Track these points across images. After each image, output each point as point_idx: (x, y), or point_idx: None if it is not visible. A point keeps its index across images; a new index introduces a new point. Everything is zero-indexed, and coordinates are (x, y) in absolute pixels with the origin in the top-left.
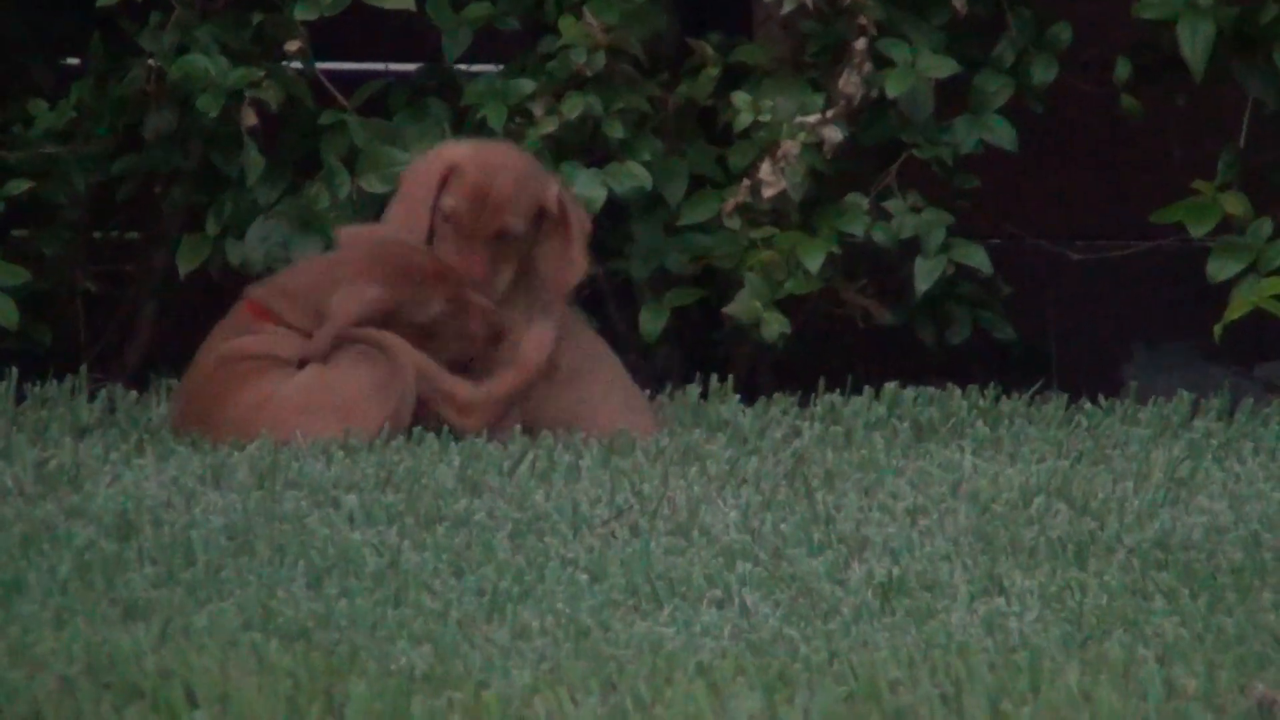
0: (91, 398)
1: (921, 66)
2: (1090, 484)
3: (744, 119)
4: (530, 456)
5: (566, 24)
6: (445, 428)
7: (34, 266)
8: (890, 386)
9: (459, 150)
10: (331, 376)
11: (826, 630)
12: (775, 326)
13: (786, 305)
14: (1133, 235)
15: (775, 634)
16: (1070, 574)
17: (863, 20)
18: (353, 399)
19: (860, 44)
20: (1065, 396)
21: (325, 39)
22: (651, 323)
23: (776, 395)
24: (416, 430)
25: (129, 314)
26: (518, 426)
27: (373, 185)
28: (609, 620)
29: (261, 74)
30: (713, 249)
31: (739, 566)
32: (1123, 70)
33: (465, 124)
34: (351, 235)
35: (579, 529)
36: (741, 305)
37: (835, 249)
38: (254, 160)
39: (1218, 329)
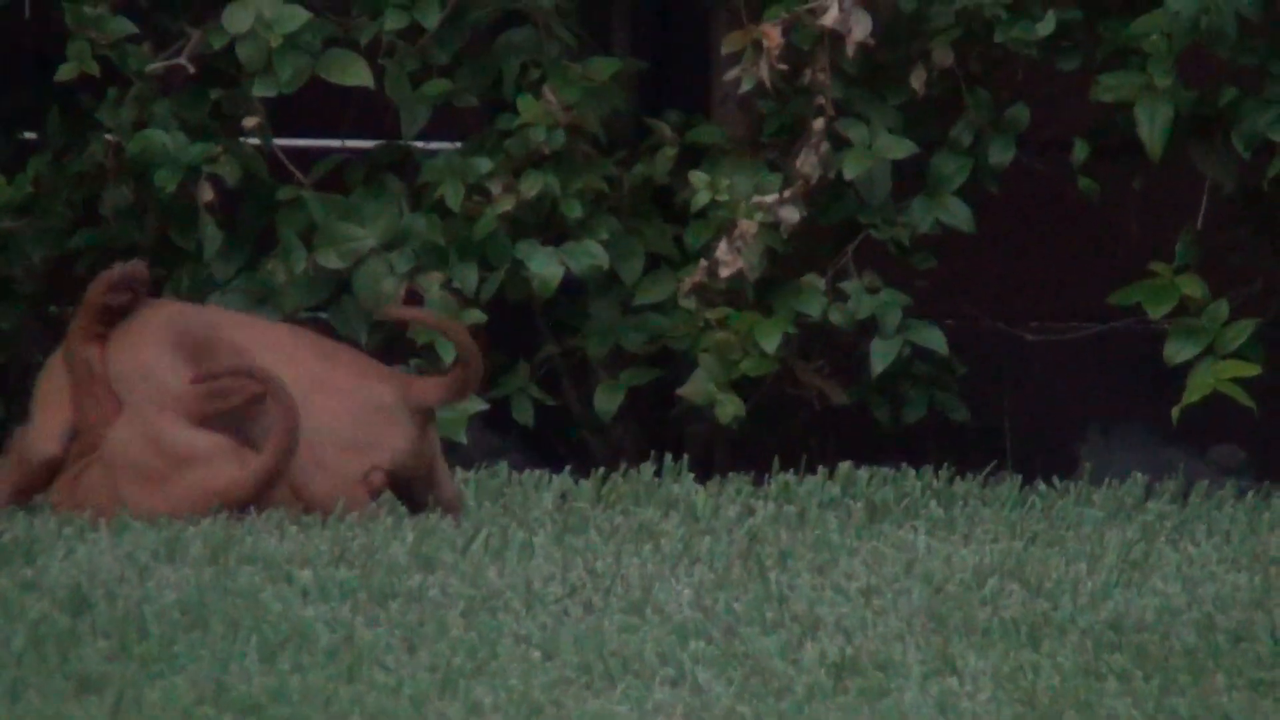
0: None
1: (879, 147)
2: (1044, 565)
3: (701, 198)
4: (484, 533)
5: (525, 102)
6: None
7: None
8: (845, 466)
9: None
10: None
11: (779, 709)
12: (729, 409)
13: (742, 384)
14: (1089, 317)
15: (728, 712)
16: (1024, 655)
17: (820, 100)
18: None
19: (818, 124)
20: (1019, 477)
21: (283, 115)
22: (607, 401)
23: (731, 474)
24: (370, 505)
25: None
26: None
27: (330, 261)
28: (562, 698)
29: (219, 149)
30: (668, 329)
31: (692, 644)
32: (1080, 151)
33: (422, 201)
34: None
35: (532, 606)
36: (696, 387)
37: (791, 329)
38: (211, 235)
39: (1176, 411)
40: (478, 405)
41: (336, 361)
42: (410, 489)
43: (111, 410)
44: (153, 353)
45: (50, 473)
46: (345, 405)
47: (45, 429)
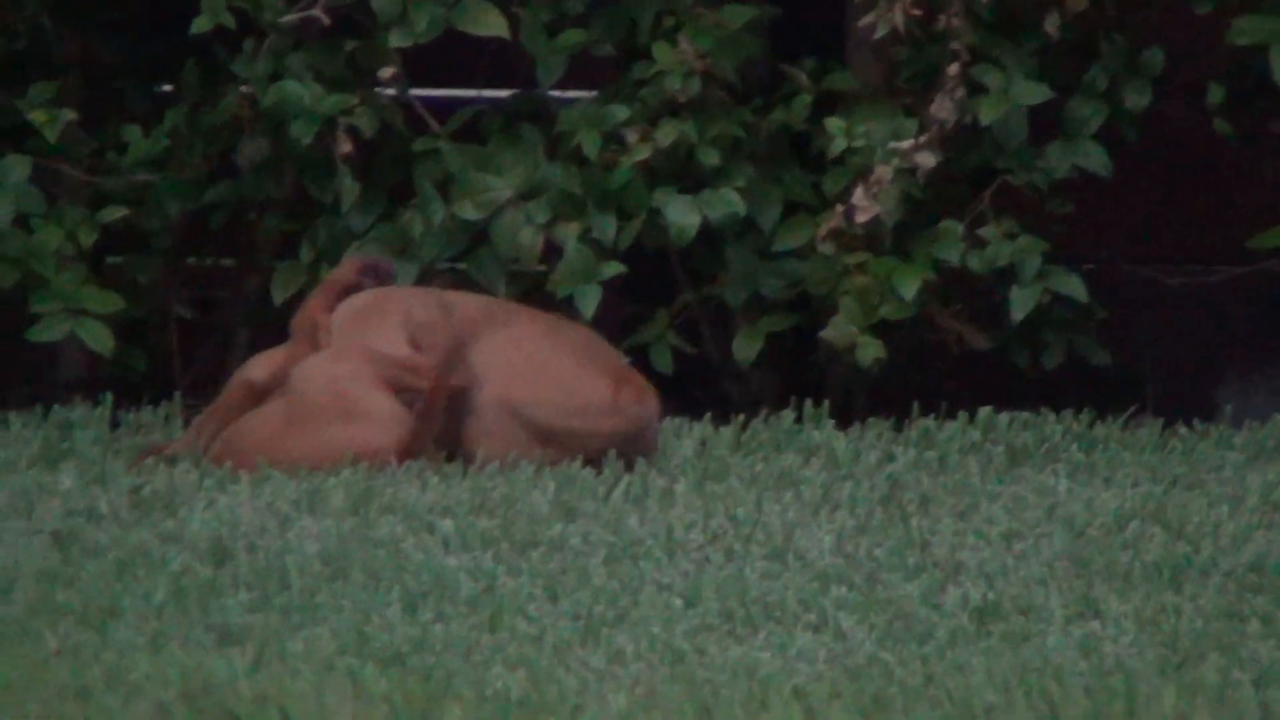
0: (186, 424)
1: (1014, 92)
2: (1185, 508)
3: (838, 145)
4: (625, 482)
5: (661, 50)
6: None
7: (128, 293)
8: (985, 411)
9: None
10: None
11: (922, 654)
12: (870, 352)
13: (881, 330)
14: (1228, 260)
15: (870, 658)
16: (1165, 598)
17: (956, 45)
18: None
19: (953, 69)
20: (1160, 421)
21: (419, 66)
22: (746, 348)
23: (871, 420)
24: (511, 455)
25: (223, 340)
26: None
27: (466, 211)
28: (704, 644)
29: (355, 101)
30: (807, 275)
31: (834, 591)
32: (1216, 95)
33: (559, 150)
34: None
35: (674, 553)
36: (836, 330)
37: (930, 275)
38: (348, 187)
39: None
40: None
41: (561, 346)
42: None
43: None
44: (382, 336)
45: (252, 397)
46: (553, 401)
47: (262, 359)
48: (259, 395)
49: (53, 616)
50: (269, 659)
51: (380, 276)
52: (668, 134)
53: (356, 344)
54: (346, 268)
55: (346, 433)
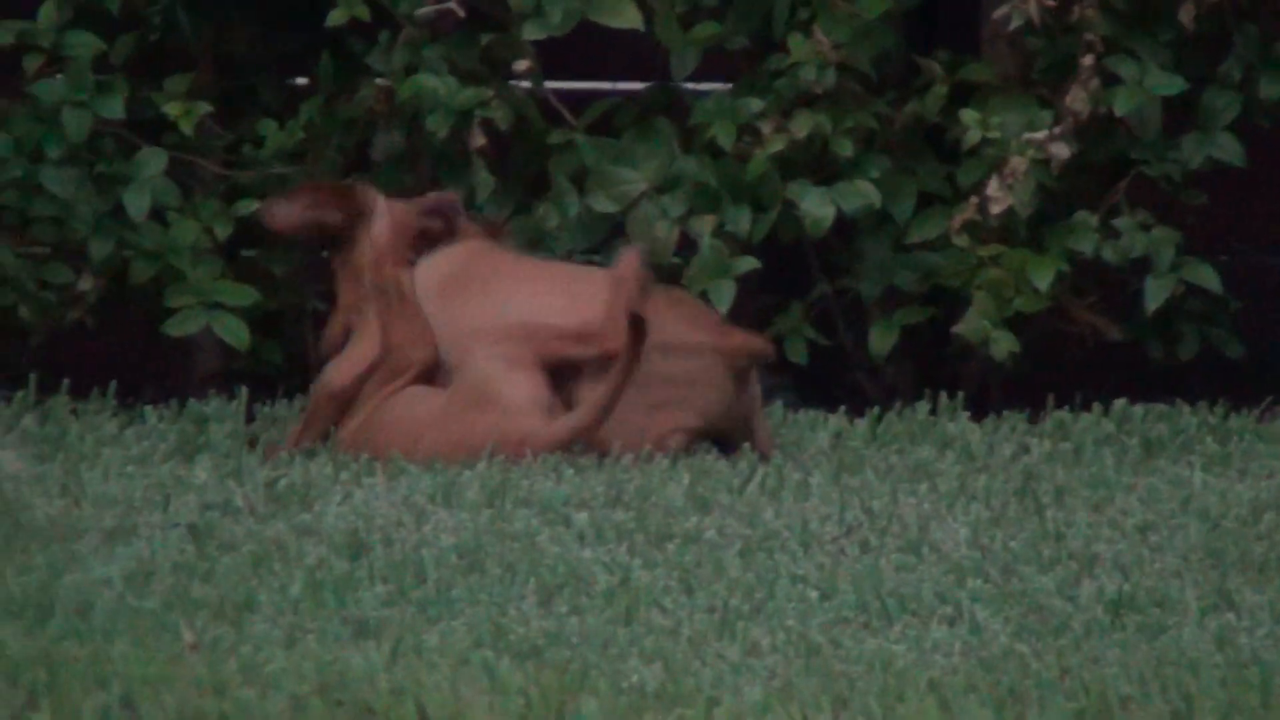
0: None
1: (1149, 84)
2: None
3: (973, 136)
4: (760, 474)
5: (796, 42)
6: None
7: (263, 286)
8: (1119, 403)
9: None
10: None
11: (1057, 646)
12: (1004, 345)
13: (1015, 322)
14: None
15: (1006, 650)
16: None
17: (1090, 37)
18: None
19: (1088, 61)
20: None
21: (554, 58)
22: (881, 341)
23: (1005, 412)
24: (644, 449)
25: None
26: None
27: (602, 205)
28: (839, 637)
29: (490, 94)
30: (941, 267)
31: (969, 583)
32: None
33: (693, 143)
34: None
35: (809, 546)
36: (970, 324)
37: (1064, 266)
38: (483, 180)
39: None
40: None
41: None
42: (725, 440)
43: (421, 331)
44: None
45: (337, 406)
46: (663, 363)
47: (341, 363)
48: (345, 402)
49: (189, 610)
50: (405, 652)
51: (448, 211)
52: (802, 126)
53: (507, 322)
54: (407, 212)
55: (487, 421)
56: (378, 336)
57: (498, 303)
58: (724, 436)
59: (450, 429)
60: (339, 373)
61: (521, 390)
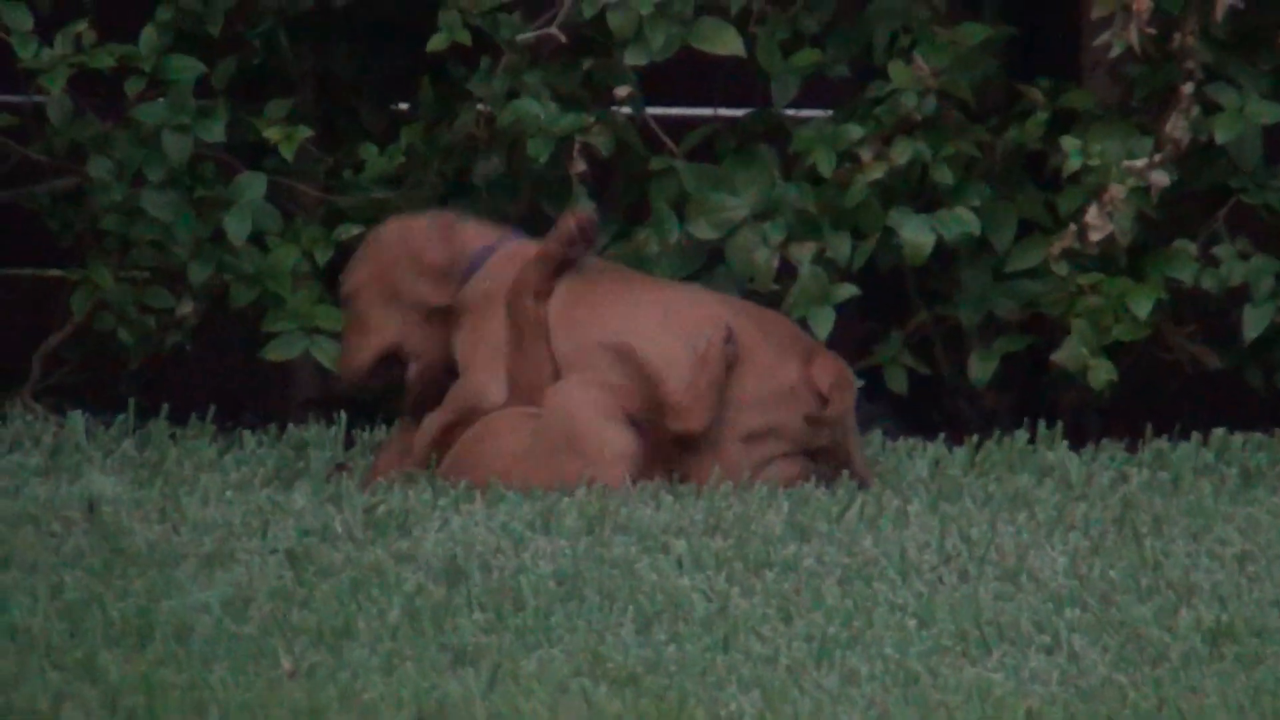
0: None
1: (1250, 111)
2: None
3: (1073, 163)
4: (859, 502)
5: (896, 68)
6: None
7: None
8: (1218, 432)
9: None
10: None
11: (1155, 676)
12: (1102, 374)
13: (1114, 350)
14: None
15: (1104, 680)
16: None
17: (1190, 65)
18: None
19: (1188, 88)
20: None
21: (654, 84)
22: (980, 368)
23: (1104, 440)
24: (745, 477)
25: None
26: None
27: (702, 231)
28: (938, 666)
29: (591, 119)
30: (1041, 295)
31: (1067, 612)
32: None
33: (793, 169)
34: None
35: (907, 574)
36: (1069, 353)
37: (1163, 295)
38: (584, 206)
39: None
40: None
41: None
42: (820, 464)
43: (548, 370)
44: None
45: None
46: (757, 389)
47: (490, 377)
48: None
49: (287, 636)
50: (503, 679)
51: (589, 235)
52: (902, 152)
53: (598, 375)
54: (552, 243)
55: (575, 467)
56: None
57: (599, 328)
58: (818, 460)
59: (539, 469)
60: (495, 388)
61: (610, 441)
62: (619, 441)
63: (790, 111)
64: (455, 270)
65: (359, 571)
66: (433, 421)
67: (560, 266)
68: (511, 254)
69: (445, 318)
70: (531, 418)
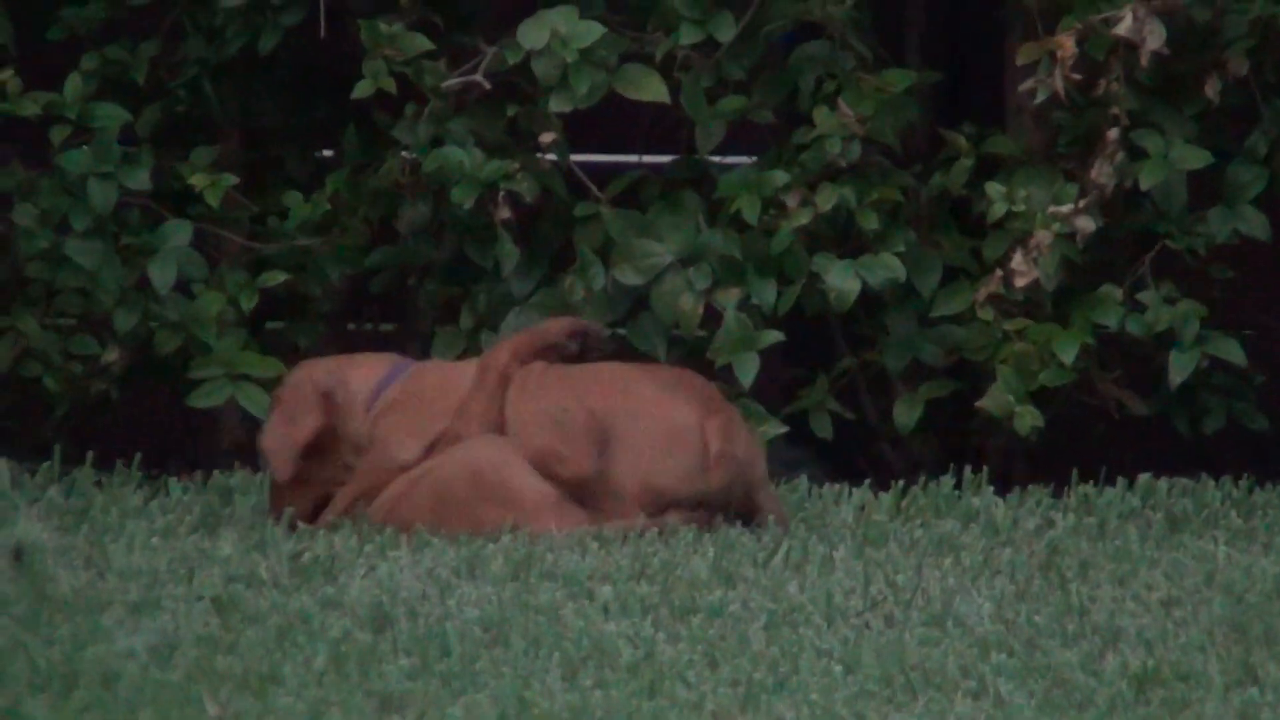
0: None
1: (1175, 157)
2: None
3: (998, 209)
4: (784, 547)
5: (822, 115)
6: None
7: (288, 358)
8: (1144, 477)
9: None
10: None
11: None
12: (1028, 420)
13: (1040, 396)
14: None
15: None
16: None
17: (1115, 110)
18: None
19: (1113, 134)
20: None
21: (579, 131)
22: (906, 414)
23: (1030, 486)
24: (671, 523)
25: None
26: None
27: (627, 277)
28: (864, 711)
29: (516, 166)
30: (966, 341)
31: (993, 657)
32: None
33: (719, 216)
34: None
35: (833, 620)
36: (994, 399)
37: (1089, 340)
38: (508, 252)
39: None
40: (776, 428)
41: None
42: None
43: (485, 424)
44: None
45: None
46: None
47: (398, 441)
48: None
49: (213, 682)
50: None
51: (590, 341)
52: (828, 199)
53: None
54: (555, 327)
55: (496, 515)
56: (441, 417)
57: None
58: (723, 511)
59: (465, 518)
60: (407, 448)
61: (537, 491)
62: (540, 487)
63: (715, 158)
64: (355, 413)
65: (285, 618)
66: (343, 494)
67: (547, 351)
68: (411, 376)
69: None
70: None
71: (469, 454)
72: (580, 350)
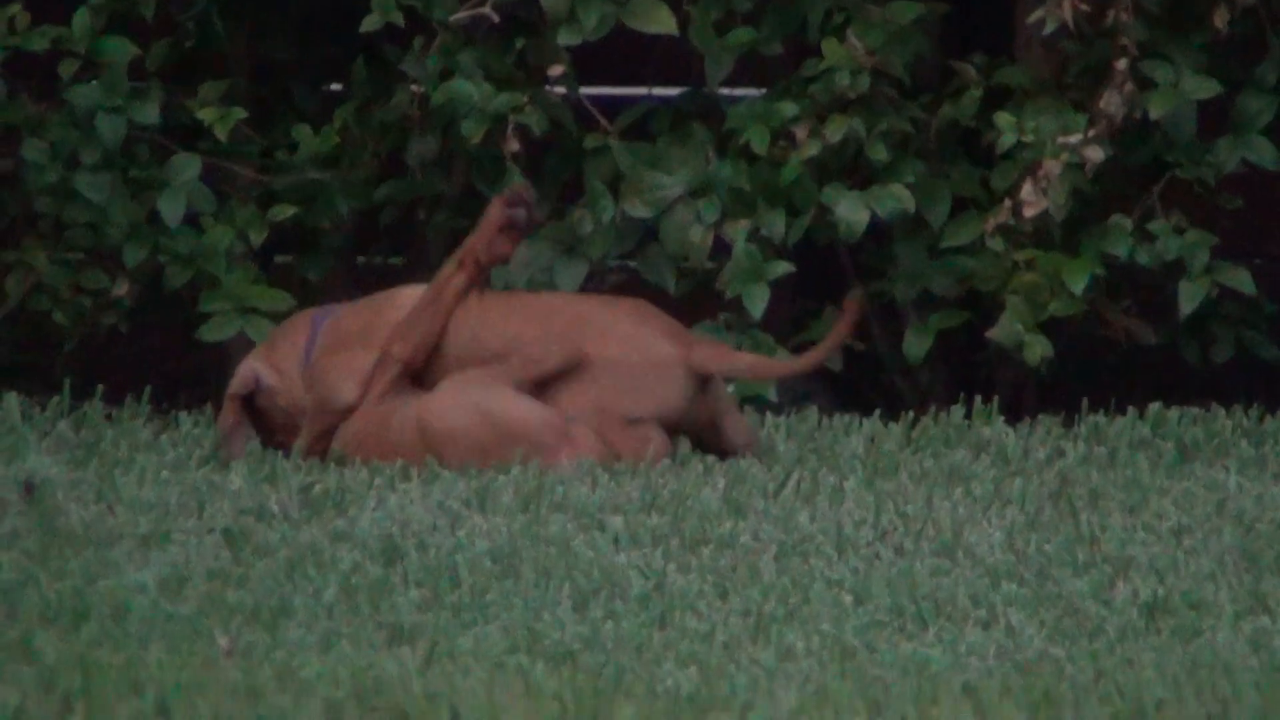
0: None
1: (1184, 87)
2: None
3: (1007, 139)
4: (795, 478)
5: (830, 46)
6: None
7: (298, 292)
8: (1154, 406)
9: None
10: None
11: (1092, 650)
12: (1038, 350)
13: (1049, 326)
14: None
15: (1040, 654)
16: None
17: (1124, 41)
18: None
19: (1122, 64)
20: None
21: (588, 63)
22: (916, 345)
23: (1040, 416)
24: (682, 453)
25: None
26: None
27: (637, 210)
28: (874, 641)
29: (525, 99)
30: (976, 271)
31: (1004, 587)
32: None
33: (728, 148)
34: None
35: (844, 550)
36: (1004, 329)
37: (1099, 270)
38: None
39: None
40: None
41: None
42: (696, 439)
43: (428, 350)
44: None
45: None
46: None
47: (339, 379)
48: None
49: (224, 616)
50: (439, 657)
51: (527, 205)
52: (836, 130)
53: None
54: (492, 209)
55: (511, 454)
56: (374, 348)
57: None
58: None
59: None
60: (346, 387)
61: (540, 416)
62: (547, 418)
63: (724, 90)
64: (293, 385)
65: (295, 551)
66: (302, 439)
67: (508, 228)
68: (331, 321)
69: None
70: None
71: (468, 397)
72: (528, 217)
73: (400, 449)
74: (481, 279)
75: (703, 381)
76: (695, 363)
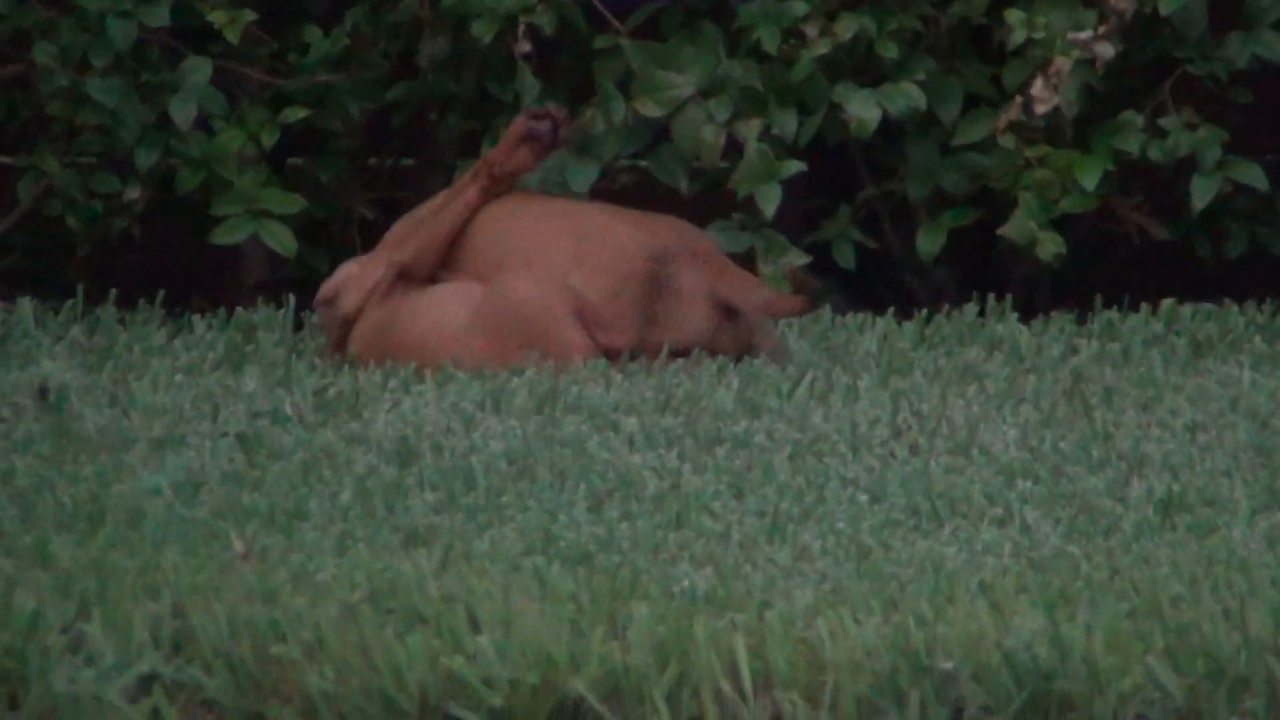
0: None
1: None
2: None
3: (1018, 36)
4: (809, 377)
5: None
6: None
7: (310, 194)
8: (1167, 303)
9: None
10: None
11: (1107, 547)
12: (1050, 247)
13: (1062, 223)
14: None
15: (1056, 551)
16: None
17: None
18: None
19: None
20: None
21: None
22: (928, 243)
23: (1054, 313)
24: (696, 352)
25: None
26: None
27: (648, 109)
28: (890, 540)
29: None
30: (988, 169)
31: (1019, 484)
32: None
33: (739, 46)
34: None
35: (858, 449)
36: (1016, 226)
37: (1110, 166)
38: (529, 85)
39: None
40: (798, 257)
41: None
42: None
43: (437, 259)
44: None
45: (349, 327)
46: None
47: (347, 283)
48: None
49: (239, 519)
50: (455, 559)
51: (554, 120)
52: (847, 28)
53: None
54: (515, 126)
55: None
56: (382, 258)
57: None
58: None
59: (488, 352)
60: (346, 298)
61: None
62: (579, 340)
63: None
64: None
65: (310, 454)
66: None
67: (529, 139)
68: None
69: None
70: (468, 295)
71: (518, 292)
72: (553, 132)
73: (405, 349)
74: (498, 190)
75: (729, 312)
76: (721, 294)
